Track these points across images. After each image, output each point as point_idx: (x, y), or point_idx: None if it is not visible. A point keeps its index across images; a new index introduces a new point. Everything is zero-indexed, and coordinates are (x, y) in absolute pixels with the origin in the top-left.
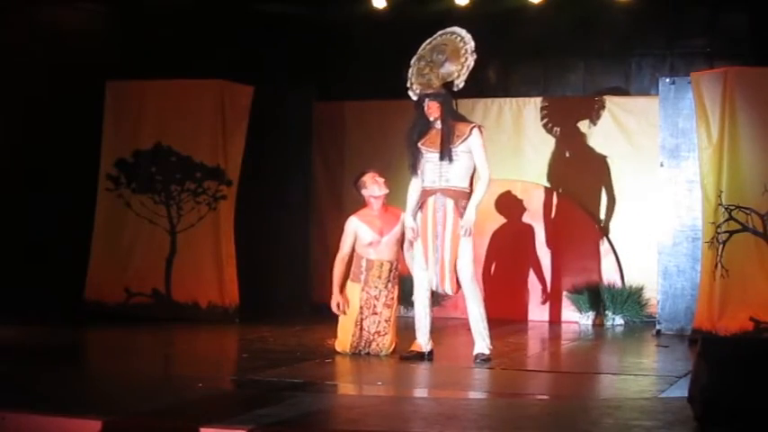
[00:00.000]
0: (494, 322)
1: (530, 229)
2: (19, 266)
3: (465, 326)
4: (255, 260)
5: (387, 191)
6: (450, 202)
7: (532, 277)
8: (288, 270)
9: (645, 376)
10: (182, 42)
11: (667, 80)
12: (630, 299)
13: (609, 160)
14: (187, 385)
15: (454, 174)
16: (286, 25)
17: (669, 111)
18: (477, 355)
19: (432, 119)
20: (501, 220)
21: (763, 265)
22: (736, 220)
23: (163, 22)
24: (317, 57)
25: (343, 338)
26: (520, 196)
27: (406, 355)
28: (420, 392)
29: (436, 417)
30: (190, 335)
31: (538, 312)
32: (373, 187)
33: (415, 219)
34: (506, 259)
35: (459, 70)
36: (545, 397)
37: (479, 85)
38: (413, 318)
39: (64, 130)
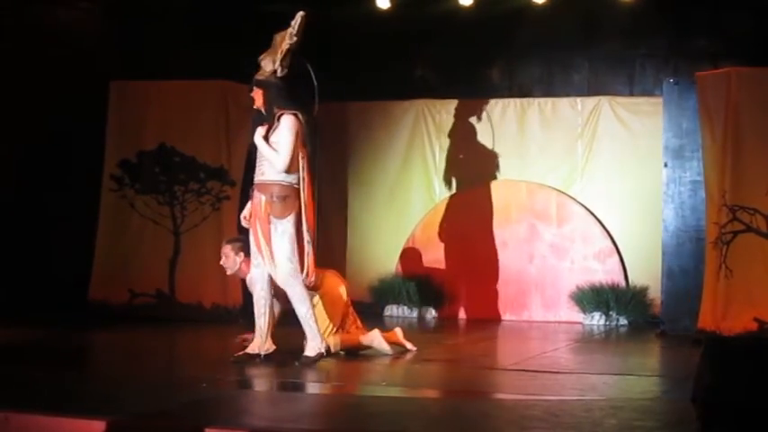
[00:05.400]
0: (497, 323)
1: (534, 230)
2: (22, 266)
3: (469, 327)
4: None
5: (239, 257)
6: (263, 198)
7: (536, 278)
8: None
9: (648, 377)
10: (185, 43)
11: (671, 81)
12: (634, 299)
13: (612, 161)
14: (191, 386)
15: (269, 167)
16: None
17: (673, 111)
18: (303, 357)
19: (255, 106)
20: (506, 220)
21: None
22: (740, 221)
23: (166, 23)
24: (320, 57)
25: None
26: (524, 197)
27: (236, 356)
28: (423, 393)
29: (439, 417)
30: (193, 335)
31: (541, 313)
32: (234, 261)
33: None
34: (511, 260)
35: (278, 55)
36: (548, 397)
37: (483, 86)
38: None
39: (68, 131)
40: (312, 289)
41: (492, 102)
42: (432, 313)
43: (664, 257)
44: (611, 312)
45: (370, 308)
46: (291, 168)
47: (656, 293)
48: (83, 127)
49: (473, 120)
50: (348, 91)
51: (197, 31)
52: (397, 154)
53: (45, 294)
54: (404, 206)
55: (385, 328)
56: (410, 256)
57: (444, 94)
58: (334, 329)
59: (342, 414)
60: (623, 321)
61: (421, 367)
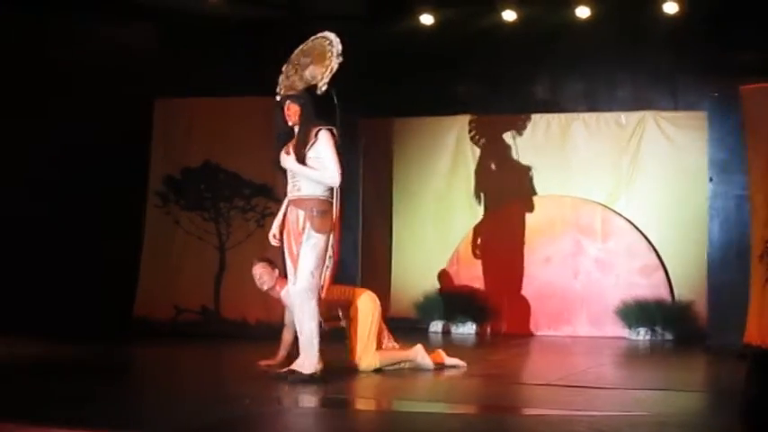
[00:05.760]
0: (542, 338)
1: (579, 245)
2: (68, 283)
3: (514, 342)
4: None
5: (275, 272)
6: (301, 213)
7: (581, 293)
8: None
9: (694, 392)
10: (230, 60)
11: (716, 95)
12: (680, 314)
13: (657, 175)
14: (234, 401)
15: (305, 182)
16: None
17: (718, 125)
18: (290, 371)
19: (290, 123)
20: (550, 235)
21: None
22: None
23: (211, 41)
24: (365, 73)
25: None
26: (569, 212)
27: (281, 372)
28: (467, 408)
29: None
30: (237, 351)
31: (587, 328)
32: (271, 276)
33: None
34: (555, 275)
35: (322, 73)
36: (593, 413)
37: (527, 101)
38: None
39: (113, 147)
40: (343, 307)
41: (536, 117)
42: (476, 329)
43: (709, 272)
44: (656, 327)
45: (414, 324)
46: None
47: (701, 308)
48: (128, 144)
49: (517, 135)
50: (392, 107)
51: (241, 48)
52: (441, 169)
53: (90, 311)
54: (448, 222)
55: (429, 344)
56: (454, 271)
57: (488, 110)
58: (374, 346)
59: (384, 431)
60: (669, 336)
61: (465, 383)
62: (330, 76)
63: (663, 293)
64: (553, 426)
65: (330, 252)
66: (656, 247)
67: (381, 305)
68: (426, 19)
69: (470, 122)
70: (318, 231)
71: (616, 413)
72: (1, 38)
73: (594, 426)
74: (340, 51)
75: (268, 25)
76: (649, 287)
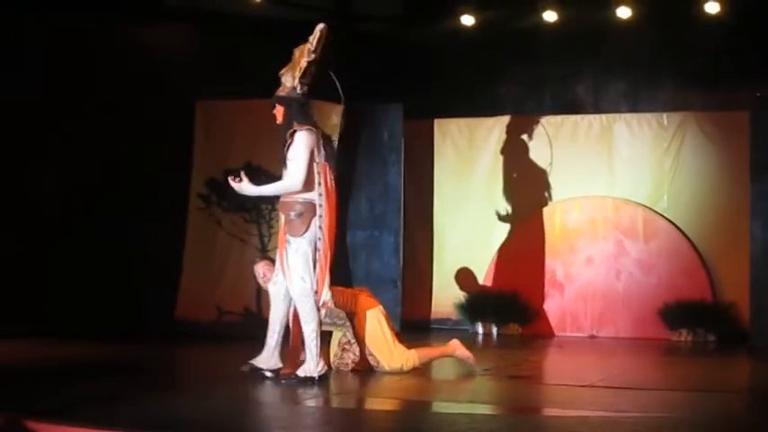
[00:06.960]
0: (584, 339)
1: (621, 246)
2: (110, 285)
3: (558, 344)
4: (344, 277)
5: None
6: (282, 217)
7: (624, 294)
8: (377, 287)
9: (736, 393)
10: (271, 62)
11: (758, 94)
12: (722, 314)
13: (698, 176)
14: (276, 404)
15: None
16: (375, 43)
17: (760, 125)
18: (292, 374)
19: (277, 122)
20: (592, 236)
21: None
22: None
23: (252, 42)
24: (406, 74)
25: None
26: (611, 213)
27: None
28: (508, 410)
29: None
30: (280, 353)
31: (629, 329)
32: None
33: None
34: (598, 276)
35: (293, 75)
36: (635, 414)
37: (568, 102)
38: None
39: (155, 150)
40: (344, 311)
41: (578, 118)
42: (517, 329)
43: (752, 272)
44: (698, 328)
45: (456, 324)
46: (309, 185)
47: (744, 309)
48: (170, 146)
49: (558, 136)
50: (433, 108)
51: (282, 49)
52: (482, 170)
53: (132, 312)
54: (489, 223)
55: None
56: (495, 272)
57: (529, 111)
58: (402, 345)
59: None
60: (711, 337)
61: (506, 384)
62: (300, 74)
63: (705, 294)
64: (595, 427)
65: (319, 255)
66: (698, 248)
67: (424, 306)
68: (467, 20)
69: (511, 123)
70: (294, 235)
71: (659, 414)
72: (45, 41)
73: (637, 427)
74: (313, 48)
75: (309, 26)
76: (691, 288)
